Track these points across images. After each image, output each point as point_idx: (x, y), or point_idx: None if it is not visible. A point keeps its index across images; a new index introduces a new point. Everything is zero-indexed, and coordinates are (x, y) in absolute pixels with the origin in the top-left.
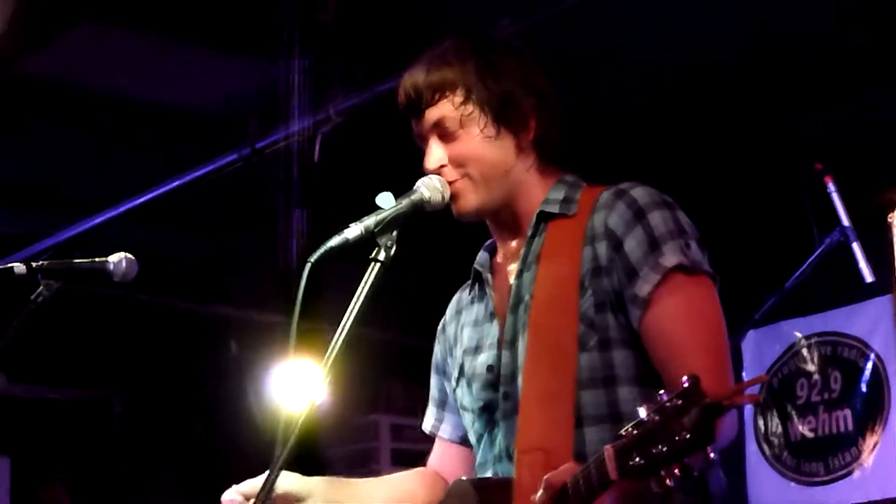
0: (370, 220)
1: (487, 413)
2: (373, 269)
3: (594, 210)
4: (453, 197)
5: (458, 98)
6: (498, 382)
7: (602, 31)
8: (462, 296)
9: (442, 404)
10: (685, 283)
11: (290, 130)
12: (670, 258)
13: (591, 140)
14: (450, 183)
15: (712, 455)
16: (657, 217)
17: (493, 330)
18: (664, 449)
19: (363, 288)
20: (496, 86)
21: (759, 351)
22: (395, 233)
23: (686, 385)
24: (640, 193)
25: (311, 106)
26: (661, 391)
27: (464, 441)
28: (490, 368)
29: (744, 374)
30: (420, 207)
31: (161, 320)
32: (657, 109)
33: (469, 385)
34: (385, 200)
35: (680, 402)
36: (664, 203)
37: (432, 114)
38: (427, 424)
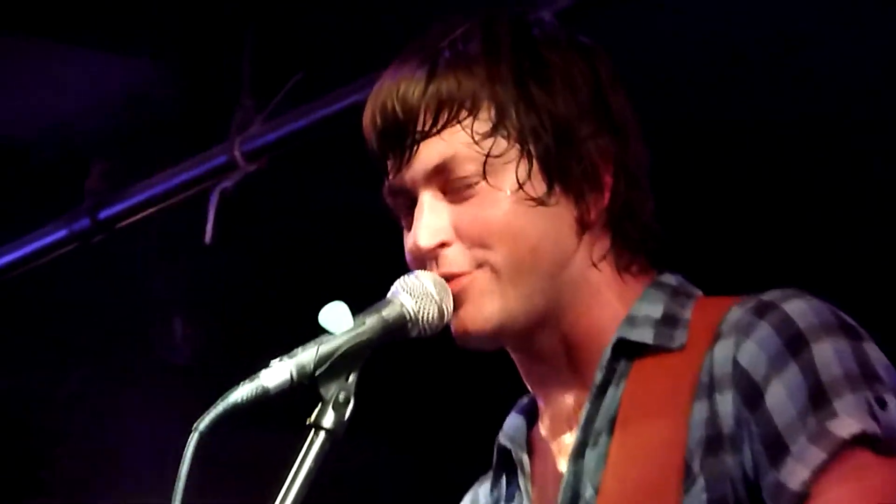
0: (306, 356)
1: None
2: (313, 442)
3: (717, 338)
4: (459, 303)
5: (483, 125)
6: None
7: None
8: (480, 492)
9: None
10: (872, 467)
11: (161, 188)
12: (847, 423)
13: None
14: (454, 277)
15: None
16: (828, 350)
17: None
18: None
19: (298, 473)
20: (552, 108)
21: None
22: (351, 377)
23: None
24: (799, 309)
25: (201, 144)
26: None
27: None
28: None
29: None
30: (399, 330)
31: None
32: None
33: None
34: (335, 318)
35: None
36: (841, 327)
37: (432, 151)
38: None
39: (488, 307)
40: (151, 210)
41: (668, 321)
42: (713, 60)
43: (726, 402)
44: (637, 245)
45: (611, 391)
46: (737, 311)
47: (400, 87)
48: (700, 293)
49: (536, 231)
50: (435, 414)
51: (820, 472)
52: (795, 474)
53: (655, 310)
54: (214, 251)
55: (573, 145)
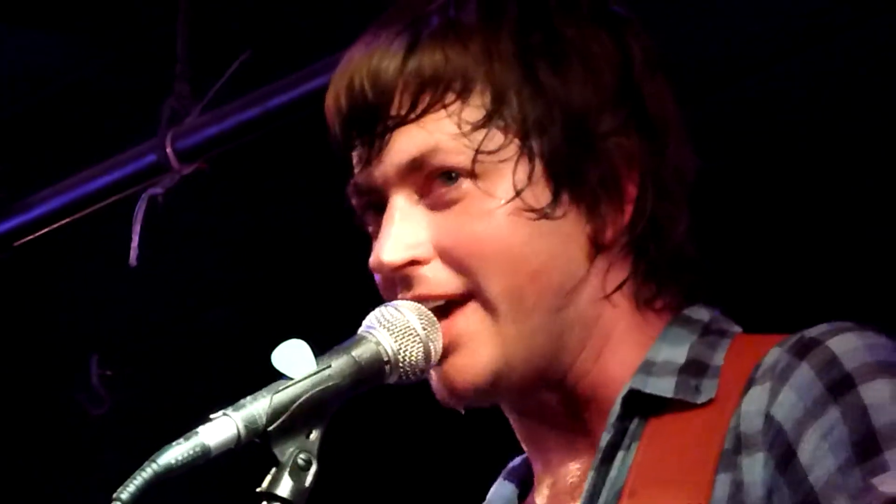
0: (257, 408)
1: None
2: None
3: (748, 386)
4: (450, 348)
5: (474, 112)
6: None
7: None
8: None
9: None
10: None
11: (72, 196)
12: None
13: None
14: (443, 312)
15: None
16: (881, 392)
17: None
18: None
19: None
20: (563, 95)
21: None
22: (314, 435)
23: None
24: (848, 346)
25: (124, 140)
26: None
27: None
28: None
29: None
30: (374, 375)
31: None
32: None
33: None
34: (292, 359)
35: None
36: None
37: (409, 141)
38: None
39: (483, 356)
40: (60, 223)
41: (694, 368)
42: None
43: (755, 468)
44: (664, 275)
45: (619, 457)
46: (775, 353)
47: (372, 61)
48: (738, 330)
49: (537, 251)
50: (406, 477)
51: None
52: None
53: (678, 353)
54: (140, 273)
55: (589, 143)
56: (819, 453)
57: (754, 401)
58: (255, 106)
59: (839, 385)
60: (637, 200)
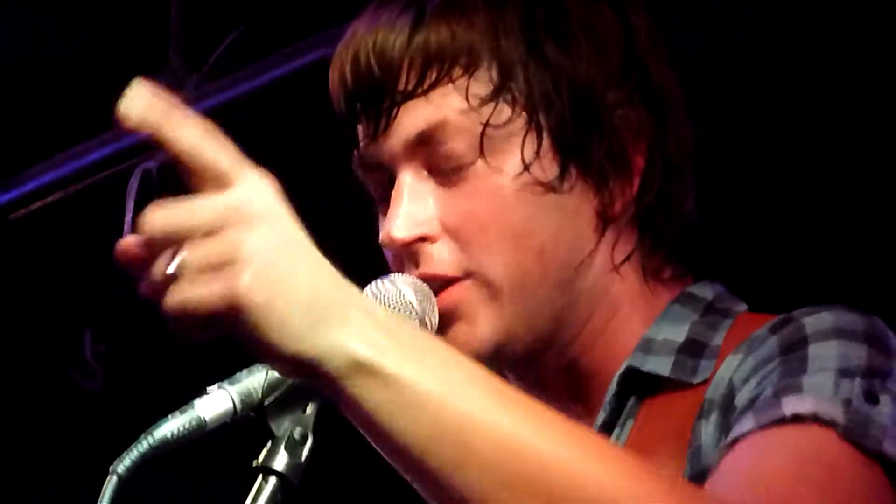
0: (253, 382)
1: None
2: (262, 490)
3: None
4: (446, 320)
5: (481, 87)
6: None
7: None
8: None
9: None
10: (810, 447)
11: (66, 170)
12: (805, 402)
13: None
14: (440, 283)
15: None
16: (829, 347)
17: None
18: None
19: None
20: (570, 69)
21: None
22: (310, 409)
23: None
24: (817, 321)
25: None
26: None
27: None
28: None
29: None
30: None
31: None
32: None
33: None
34: None
35: None
36: (866, 334)
37: (416, 116)
38: None
39: (484, 326)
40: (55, 197)
41: (692, 348)
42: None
43: (708, 430)
44: (671, 246)
45: (614, 435)
46: (759, 330)
47: (378, 37)
48: (743, 309)
49: (545, 226)
50: None
51: (748, 433)
52: (722, 447)
53: (678, 332)
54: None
55: (596, 116)
56: (749, 386)
57: (724, 370)
58: (250, 80)
59: (793, 345)
60: (644, 172)
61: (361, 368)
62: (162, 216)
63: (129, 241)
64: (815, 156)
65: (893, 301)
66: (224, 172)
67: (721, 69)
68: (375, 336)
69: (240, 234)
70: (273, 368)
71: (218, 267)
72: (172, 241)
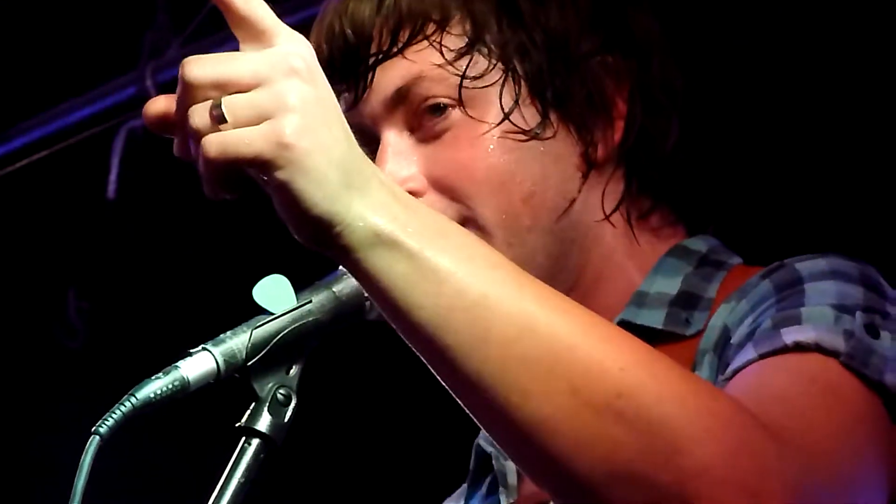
0: (237, 343)
1: None
2: (244, 451)
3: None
4: None
5: (455, 41)
6: None
7: None
8: None
9: None
10: (813, 371)
11: (52, 128)
12: (806, 331)
13: None
14: None
15: None
16: (826, 286)
17: None
18: None
19: (225, 490)
20: (543, 20)
21: None
22: (294, 370)
23: None
24: (811, 265)
25: (104, 73)
26: None
27: None
28: None
29: None
30: (354, 311)
31: None
32: None
33: None
34: (273, 294)
35: None
36: (861, 277)
37: (393, 73)
38: None
39: None
40: (40, 155)
41: (686, 300)
42: None
43: (703, 375)
44: (658, 189)
45: None
46: (753, 278)
47: (349, 5)
48: (738, 262)
49: (530, 172)
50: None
51: (748, 363)
52: (722, 381)
53: (671, 284)
54: (119, 206)
55: (572, 63)
56: (745, 324)
57: (718, 317)
58: (235, 41)
59: (789, 283)
60: (627, 116)
61: (382, 241)
62: (206, 63)
63: (158, 101)
64: (813, 110)
65: (889, 254)
66: (268, 28)
67: (715, 15)
68: (396, 210)
69: (287, 85)
70: (292, 231)
71: (266, 113)
72: (215, 88)
